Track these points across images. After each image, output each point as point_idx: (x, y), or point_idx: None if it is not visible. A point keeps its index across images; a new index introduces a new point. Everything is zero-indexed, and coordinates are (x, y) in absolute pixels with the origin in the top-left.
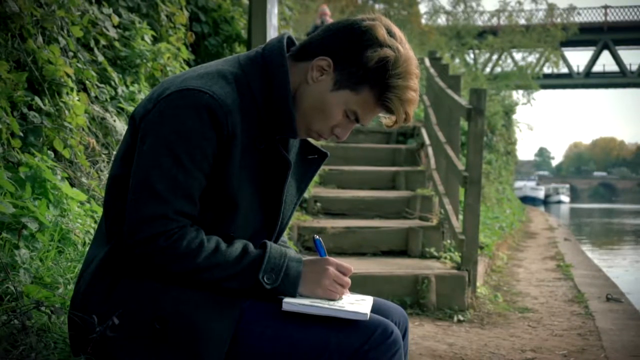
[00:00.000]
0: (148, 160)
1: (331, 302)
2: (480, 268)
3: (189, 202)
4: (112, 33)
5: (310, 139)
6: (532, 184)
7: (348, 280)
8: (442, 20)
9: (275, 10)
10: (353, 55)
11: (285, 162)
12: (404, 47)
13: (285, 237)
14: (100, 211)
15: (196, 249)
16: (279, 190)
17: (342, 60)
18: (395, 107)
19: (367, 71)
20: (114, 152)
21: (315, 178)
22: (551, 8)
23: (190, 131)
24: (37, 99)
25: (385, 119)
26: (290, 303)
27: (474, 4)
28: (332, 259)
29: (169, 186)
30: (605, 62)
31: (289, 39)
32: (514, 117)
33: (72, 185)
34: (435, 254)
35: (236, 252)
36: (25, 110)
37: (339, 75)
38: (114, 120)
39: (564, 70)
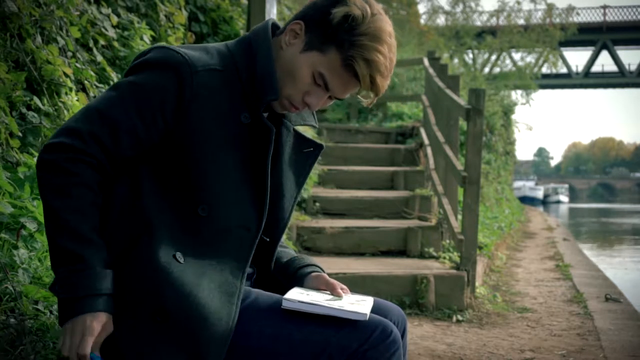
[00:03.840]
0: (100, 95)
1: (331, 302)
2: (479, 268)
3: (111, 136)
4: (111, 33)
5: (304, 133)
6: (531, 184)
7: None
8: (441, 20)
9: (274, 10)
10: (320, 14)
11: (267, 129)
12: (376, 13)
13: (283, 238)
14: None
15: (69, 189)
16: (263, 161)
17: (312, 21)
18: (359, 68)
19: (334, 29)
20: None
21: (314, 178)
22: (550, 8)
23: (146, 78)
24: (35, 98)
25: (362, 95)
26: (290, 300)
27: (472, 4)
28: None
29: (100, 115)
30: (604, 62)
31: (274, 24)
32: (513, 117)
33: None
34: (434, 254)
35: (84, 229)
36: (24, 110)
37: (308, 37)
38: None
39: (563, 70)
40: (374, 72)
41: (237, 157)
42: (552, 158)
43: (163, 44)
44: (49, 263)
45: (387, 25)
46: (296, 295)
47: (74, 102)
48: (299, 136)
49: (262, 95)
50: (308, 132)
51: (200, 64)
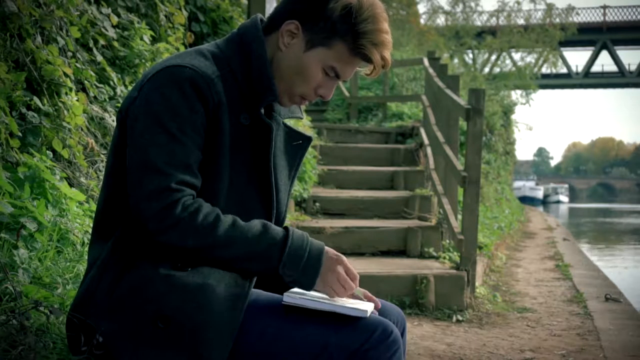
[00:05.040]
0: (143, 140)
1: (331, 300)
2: (479, 268)
3: (190, 173)
4: (111, 33)
5: (297, 127)
6: (531, 184)
7: (352, 285)
8: (440, 20)
9: None
10: (317, 11)
11: (268, 128)
12: None
13: None
14: None
15: (213, 222)
16: (266, 160)
17: (308, 19)
18: (370, 52)
19: (334, 23)
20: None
21: (314, 178)
22: (550, 8)
23: (177, 105)
24: (35, 99)
25: (364, 69)
26: (291, 296)
27: (472, 4)
28: (345, 260)
29: (168, 160)
30: (604, 62)
31: (262, 19)
32: (513, 117)
33: (71, 185)
34: (434, 254)
35: (255, 229)
36: (24, 110)
37: (308, 35)
38: (113, 120)
39: (563, 70)
40: (383, 51)
41: (240, 158)
42: (552, 158)
43: (172, 62)
44: (49, 263)
45: (377, 0)
46: (297, 292)
47: (74, 102)
48: (288, 129)
49: (262, 96)
50: (307, 130)
51: (210, 72)
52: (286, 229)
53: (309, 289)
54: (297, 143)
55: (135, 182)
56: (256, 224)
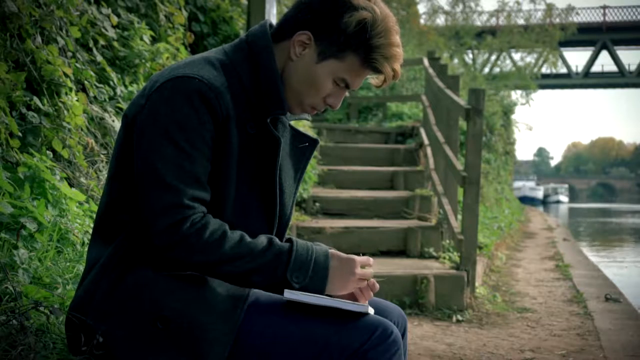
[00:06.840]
0: (151, 153)
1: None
2: (479, 268)
3: (200, 187)
4: (111, 33)
5: (300, 128)
6: (531, 184)
7: (370, 283)
8: (440, 20)
9: (274, 11)
10: (331, 23)
11: (276, 140)
12: (379, 7)
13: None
14: None
15: (220, 239)
16: (272, 171)
17: (321, 30)
18: (382, 66)
19: (348, 37)
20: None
21: (314, 178)
22: (550, 8)
23: (186, 118)
24: (35, 99)
25: (374, 80)
26: (292, 292)
27: (472, 4)
28: (358, 259)
29: (177, 175)
30: (604, 62)
31: (270, 25)
32: (513, 117)
33: (71, 185)
34: (434, 254)
35: (261, 245)
36: (24, 110)
37: (321, 46)
38: (113, 121)
39: (563, 70)
40: (394, 64)
41: (245, 166)
42: (552, 158)
43: (181, 71)
44: (49, 263)
45: (389, 12)
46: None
47: (74, 102)
48: (294, 131)
49: (270, 108)
50: (309, 131)
51: (219, 83)
52: (290, 240)
53: (321, 293)
54: (303, 145)
55: (145, 196)
56: (262, 239)
